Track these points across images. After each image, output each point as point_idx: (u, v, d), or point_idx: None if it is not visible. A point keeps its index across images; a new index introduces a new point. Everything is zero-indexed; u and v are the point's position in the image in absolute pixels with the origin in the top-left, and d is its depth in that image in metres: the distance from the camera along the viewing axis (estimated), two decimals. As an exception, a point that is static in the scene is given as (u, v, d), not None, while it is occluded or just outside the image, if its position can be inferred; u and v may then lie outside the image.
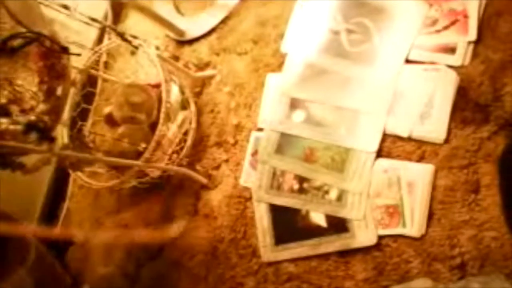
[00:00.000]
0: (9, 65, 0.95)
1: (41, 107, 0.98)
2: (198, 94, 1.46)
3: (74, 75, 1.24)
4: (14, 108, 0.93)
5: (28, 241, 1.51)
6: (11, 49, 0.93)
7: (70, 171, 1.25)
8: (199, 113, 1.42)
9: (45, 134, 0.98)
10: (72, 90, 1.26)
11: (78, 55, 1.07)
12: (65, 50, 1.03)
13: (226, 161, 1.37)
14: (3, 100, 0.92)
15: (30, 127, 0.94)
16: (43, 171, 1.70)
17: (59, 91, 1.03)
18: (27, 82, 0.98)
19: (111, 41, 1.37)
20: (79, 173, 1.28)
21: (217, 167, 1.38)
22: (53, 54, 1.01)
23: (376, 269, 1.07)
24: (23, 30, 0.95)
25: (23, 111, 0.95)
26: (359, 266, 1.09)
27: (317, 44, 1.25)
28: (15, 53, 0.94)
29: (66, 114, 1.22)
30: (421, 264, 1.03)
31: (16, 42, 0.94)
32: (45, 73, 1.00)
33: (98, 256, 1.60)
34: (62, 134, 1.24)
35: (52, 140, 1.00)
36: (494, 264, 0.96)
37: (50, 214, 1.75)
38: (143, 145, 1.20)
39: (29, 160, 1.02)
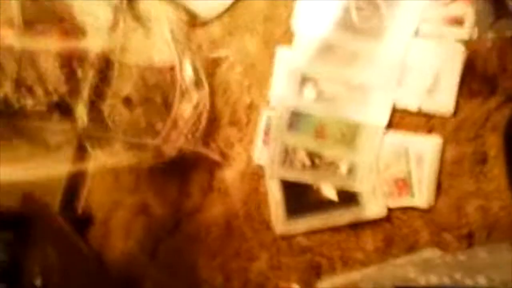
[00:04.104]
0: (32, 48, 1.00)
1: (63, 88, 1.03)
2: (211, 75, 1.49)
3: (92, 57, 1.29)
4: (38, 89, 0.98)
5: (53, 218, 1.58)
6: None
7: (90, 150, 1.31)
8: (213, 93, 1.46)
9: (67, 114, 1.03)
10: (91, 72, 1.31)
11: (97, 38, 1.11)
12: (84, 33, 1.07)
13: (240, 139, 1.41)
14: (29, 82, 0.97)
15: (53, 107, 1.00)
16: (65, 152, 1.77)
17: (79, 72, 1.08)
18: (50, 64, 1.03)
19: (126, 24, 1.40)
20: (99, 153, 1.33)
21: (231, 146, 1.42)
22: (73, 36, 1.06)
23: (386, 240, 1.11)
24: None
25: (46, 92, 1.00)
26: (369, 238, 1.13)
27: (327, 21, 1.27)
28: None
29: (86, 95, 1.27)
30: (429, 234, 1.06)
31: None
32: (66, 55, 1.05)
33: (117, 234, 1.66)
34: (82, 114, 1.29)
35: (73, 119, 1.05)
36: (501, 233, 0.99)
37: (71, 195, 1.82)
38: (160, 125, 1.25)
39: (53, 139, 1.07)
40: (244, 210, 1.35)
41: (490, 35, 1.00)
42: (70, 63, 1.02)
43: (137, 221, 1.61)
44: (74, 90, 1.05)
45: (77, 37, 1.10)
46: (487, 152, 1.02)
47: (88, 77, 1.12)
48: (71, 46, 1.03)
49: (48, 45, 1.01)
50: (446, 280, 0.94)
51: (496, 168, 0.99)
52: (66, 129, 1.02)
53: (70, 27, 1.03)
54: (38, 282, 1.52)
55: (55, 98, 0.98)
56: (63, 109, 1.00)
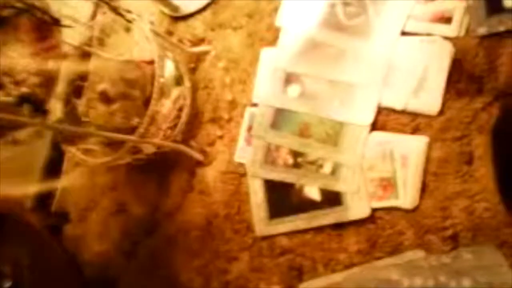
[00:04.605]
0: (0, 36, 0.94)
1: (33, 79, 0.97)
2: (192, 70, 1.45)
3: (67, 48, 1.23)
4: (6, 80, 0.93)
5: (24, 216, 1.52)
6: (1, 20, 0.92)
7: (64, 146, 1.25)
8: (194, 89, 1.42)
9: (38, 106, 0.97)
10: (66, 65, 1.25)
11: (70, 26, 1.05)
12: (56, 22, 1.01)
13: (221, 137, 1.37)
14: (-5, 72, 0.91)
15: (22, 99, 0.94)
16: (38, 149, 1.70)
17: (51, 63, 1.02)
18: (19, 54, 0.97)
19: (105, 15, 1.35)
20: (73, 150, 1.27)
21: (212, 143, 1.38)
22: (45, 26, 1.00)
23: (369, 241, 1.08)
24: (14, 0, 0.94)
25: (16, 83, 0.95)
26: (353, 239, 1.10)
27: (312, 17, 1.24)
28: (6, 23, 0.93)
29: (59, 88, 1.21)
30: (414, 235, 1.04)
31: (6, 12, 0.92)
32: (37, 45, 0.99)
33: (94, 233, 1.61)
34: (55, 108, 1.23)
35: (45, 113, 0.99)
36: (486, 234, 0.97)
37: (46, 193, 1.76)
38: (137, 120, 1.20)
39: (22, 133, 1.01)
40: (224, 210, 1.31)
41: (482, 30, 0.98)
42: (41, 53, 0.96)
43: (114, 221, 1.56)
44: (46, 82, 0.99)
45: (50, 28, 1.04)
46: (473, 152, 1.00)
47: (61, 69, 1.06)
48: (43, 35, 0.97)
49: (18, 34, 0.95)
50: (431, 283, 0.91)
51: (482, 169, 0.98)
52: (37, 123, 0.95)
53: (42, 15, 0.97)
54: (7, 284, 1.45)
55: (24, 89, 0.92)
56: (33, 101, 0.94)
